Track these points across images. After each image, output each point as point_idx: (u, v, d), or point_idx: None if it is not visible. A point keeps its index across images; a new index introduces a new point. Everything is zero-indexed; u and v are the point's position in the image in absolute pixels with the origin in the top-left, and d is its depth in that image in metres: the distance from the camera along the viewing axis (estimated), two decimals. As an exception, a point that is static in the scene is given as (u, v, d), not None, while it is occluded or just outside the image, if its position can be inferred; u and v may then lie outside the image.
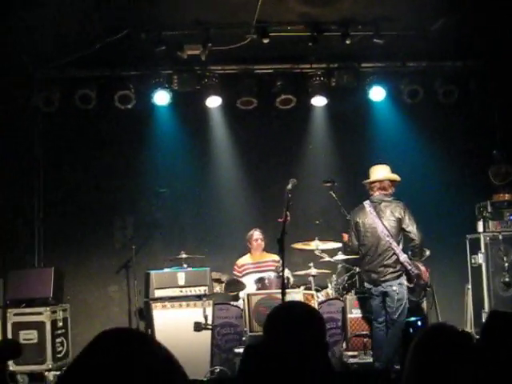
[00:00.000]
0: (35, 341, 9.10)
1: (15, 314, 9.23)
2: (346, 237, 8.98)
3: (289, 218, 7.29)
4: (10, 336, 9.03)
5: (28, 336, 9.10)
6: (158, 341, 1.88)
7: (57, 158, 10.59)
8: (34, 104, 10.06)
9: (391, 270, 8.22)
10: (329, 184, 9.38)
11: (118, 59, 9.97)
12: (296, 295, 8.58)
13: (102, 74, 10.19)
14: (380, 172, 8.62)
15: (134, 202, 10.75)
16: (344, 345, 8.95)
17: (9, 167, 10.25)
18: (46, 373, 9.02)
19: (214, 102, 10.35)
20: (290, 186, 7.43)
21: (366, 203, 8.54)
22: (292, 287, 9.10)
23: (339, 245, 9.28)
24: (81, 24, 8.90)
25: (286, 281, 8.57)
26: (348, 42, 9.35)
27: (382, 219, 8.33)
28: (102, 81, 10.14)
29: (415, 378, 2.79)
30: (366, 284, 8.55)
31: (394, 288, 8.16)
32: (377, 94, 10.49)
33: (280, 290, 7.81)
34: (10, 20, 8.50)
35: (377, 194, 8.54)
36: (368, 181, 8.62)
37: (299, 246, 9.09)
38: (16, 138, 10.30)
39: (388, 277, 8.22)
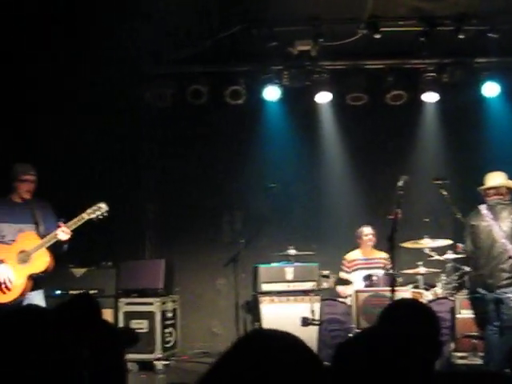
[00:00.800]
0: (145, 330, 9.31)
1: (127, 304, 9.48)
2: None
3: (400, 215, 7.20)
4: (121, 325, 9.28)
5: (138, 325, 9.32)
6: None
7: (168, 152, 10.82)
8: (147, 100, 10.28)
9: (507, 275, 7.89)
10: (439, 182, 9.19)
11: (229, 55, 10.07)
12: (405, 293, 8.48)
13: (213, 69, 10.31)
14: (496, 179, 8.32)
15: (244, 197, 10.88)
16: (452, 345, 8.78)
17: (122, 161, 10.52)
18: (155, 362, 9.22)
19: (323, 97, 10.33)
20: (401, 183, 7.34)
21: (482, 207, 8.26)
22: (400, 285, 9.00)
23: (449, 242, 9.11)
24: (193, 21, 9.04)
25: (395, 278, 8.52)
26: (461, 36, 9.17)
27: (498, 221, 8.06)
28: (213, 76, 10.27)
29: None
30: (479, 289, 8.30)
31: (510, 295, 7.85)
32: (491, 89, 10.22)
33: (388, 288, 7.77)
34: (124, 18, 8.71)
35: (493, 199, 8.25)
36: (483, 187, 8.35)
37: (409, 244, 8.96)
38: (129, 133, 10.56)
39: (503, 283, 7.91)
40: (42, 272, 7.04)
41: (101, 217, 7.11)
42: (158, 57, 10.10)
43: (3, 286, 6.86)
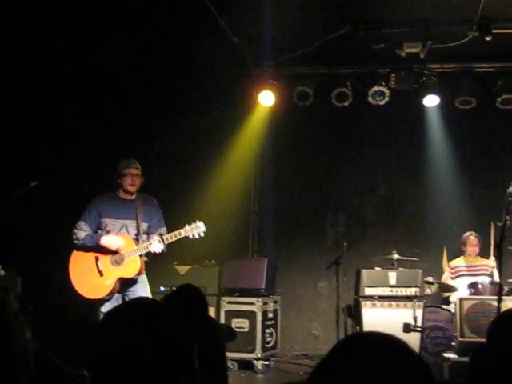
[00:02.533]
0: (246, 329, 9.37)
1: (229, 303, 9.57)
2: None
3: (509, 222, 7.01)
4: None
5: (240, 324, 9.39)
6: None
7: (273, 153, 10.86)
8: (255, 100, 10.37)
9: None
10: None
11: (336, 57, 10.04)
12: (511, 303, 8.24)
13: (320, 71, 10.31)
14: None
15: (348, 199, 10.85)
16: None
17: (230, 160, 10.65)
18: (255, 361, 9.27)
19: (431, 100, 10.17)
20: (511, 189, 7.14)
21: None
22: (506, 294, 8.75)
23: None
24: (301, 22, 9.04)
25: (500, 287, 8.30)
26: None
27: None
28: (319, 78, 10.27)
29: None
30: None
31: None
32: None
33: (495, 297, 7.57)
34: (231, 16, 8.83)
35: None
36: None
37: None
38: (239, 133, 10.66)
39: None
40: (132, 277, 7.20)
41: (197, 236, 7.19)
42: (265, 57, 10.15)
43: (118, 249, 7.06)
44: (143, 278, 7.40)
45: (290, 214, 10.89)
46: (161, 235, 7.16)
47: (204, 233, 7.20)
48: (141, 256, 7.16)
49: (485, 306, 8.16)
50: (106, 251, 7.14)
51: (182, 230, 7.15)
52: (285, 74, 10.38)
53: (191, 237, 7.17)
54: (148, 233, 7.33)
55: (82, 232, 7.18)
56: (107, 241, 7.09)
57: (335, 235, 10.73)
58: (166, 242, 7.12)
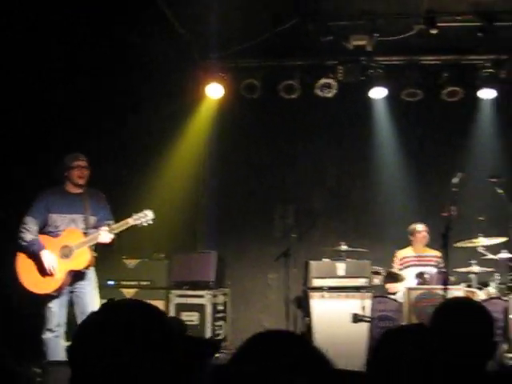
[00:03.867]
0: (196, 323, 9.36)
1: (178, 296, 9.55)
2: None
3: (454, 213, 7.13)
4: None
5: (189, 317, 9.37)
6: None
7: (221, 146, 10.83)
8: (202, 92, 10.33)
9: None
10: (495, 179, 9.06)
11: (284, 49, 10.04)
12: (457, 292, 8.39)
13: (267, 63, 10.30)
14: None
15: (297, 191, 10.89)
16: (505, 346, 8.65)
17: (177, 152, 10.60)
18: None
19: (378, 93, 10.26)
20: (456, 180, 7.28)
21: None
22: (453, 284, 8.91)
23: (503, 240, 8.99)
24: (249, 14, 9.04)
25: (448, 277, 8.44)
26: (521, 31, 9.04)
27: None
28: (267, 70, 10.27)
29: None
30: None
31: None
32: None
33: (441, 286, 7.69)
34: (179, 8, 8.79)
35: None
36: None
37: (463, 243, 8.83)
38: (186, 126, 10.61)
39: None
40: (82, 269, 7.17)
41: (145, 224, 7.21)
42: (212, 50, 10.12)
43: (48, 272, 7.01)
44: (91, 275, 7.37)
45: (239, 207, 10.89)
46: (109, 225, 7.16)
47: (153, 221, 7.22)
48: (90, 248, 7.15)
49: (431, 295, 8.29)
50: (53, 245, 7.08)
51: (129, 219, 7.17)
52: (232, 66, 10.33)
53: (140, 225, 7.18)
54: (96, 226, 7.30)
55: (29, 234, 7.10)
56: (46, 257, 7.02)
57: (284, 227, 10.75)
58: (114, 232, 7.12)
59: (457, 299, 4.87)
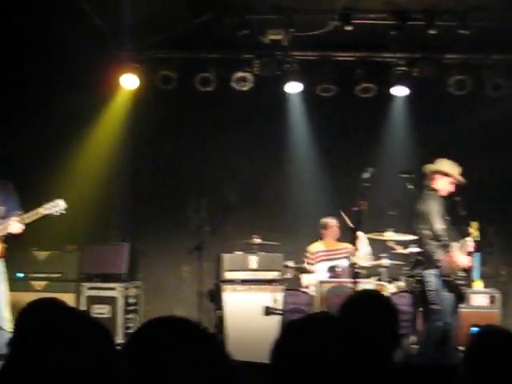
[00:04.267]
0: (107, 315, 9.26)
1: (89, 288, 9.44)
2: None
3: (364, 207, 7.24)
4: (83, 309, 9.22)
5: (100, 310, 9.29)
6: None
7: (136, 138, 10.72)
8: (117, 83, 10.20)
9: None
10: (406, 175, 9.23)
11: (200, 42, 9.99)
12: (368, 285, 8.53)
13: (183, 55, 10.24)
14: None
15: (210, 185, 10.87)
16: (413, 338, 8.84)
17: (91, 143, 10.44)
18: (117, 348, 9.15)
19: (293, 87, 10.33)
20: (366, 175, 7.39)
21: None
22: (364, 277, 9.04)
23: (413, 237, 9.18)
24: (165, 5, 8.97)
25: (359, 270, 8.57)
26: (432, 31, 9.21)
27: None
28: (183, 62, 10.21)
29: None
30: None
31: None
32: (460, 86, 10.24)
33: (351, 280, 7.81)
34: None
35: None
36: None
37: (372, 236, 8.99)
38: (100, 116, 10.46)
39: None
40: None
41: (57, 213, 7.11)
42: (129, 41, 10.00)
43: None
44: (0, 266, 7.22)
45: (153, 200, 10.81)
46: (20, 215, 7.02)
47: (65, 210, 7.12)
48: (0, 239, 7.00)
49: (343, 288, 8.39)
50: None
51: (40, 209, 7.05)
52: (148, 57, 10.23)
53: (51, 215, 7.07)
54: (5, 217, 7.15)
55: None
56: None
57: (198, 220, 10.72)
58: (25, 222, 6.99)
59: (364, 292, 4.94)
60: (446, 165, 8.44)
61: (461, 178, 8.40)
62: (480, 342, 2.90)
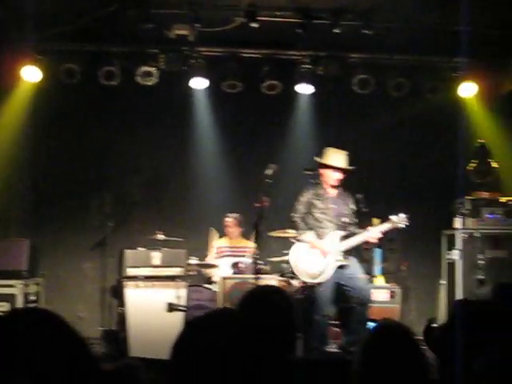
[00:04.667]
0: (6, 313, 9.01)
1: (-13, 285, 9.16)
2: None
3: (267, 204, 7.28)
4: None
5: (-1, 308, 9.03)
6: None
7: (38, 132, 10.45)
8: (18, 75, 9.94)
9: None
10: (310, 172, 9.32)
11: (105, 34, 9.83)
12: (271, 281, 8.58)
13: (88, 48, 10.05)
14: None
15: (114, 180, 10.73)
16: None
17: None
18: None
19: (199, 83, 10.28)
20: (269, 172, 7.42)
21: None
22: (267, 273, 9.09)
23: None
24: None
25: (262, 267, 8.61)
26: (337, 30, 9.33)
27: None
28: (87, 55, 10.02)
29: (364, 376, 2.80)
30: None
31: None
32: (363, 85, 10.41)
33: (254, 276, 7.83)
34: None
35: None
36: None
37: (276, 233, 9.04)
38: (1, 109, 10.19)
39: None
40: None
41: None
42: (31, 33, 9.74)
43: None
44: None
45: (55, 194, 10.58)
46: None
47: None
48: None
49: (245, 284, 8.42)
50: None
51: None
52: (51, 49, 9.98)
53: None
54: None
55: None
56: None
57: (101, 216, 10.55)
58: None
59: (261, 288, 4.95)
60: (326, 156, 8.47)
61: (342, 165, 8.41)
62: (374, 336, 2.93)
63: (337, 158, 8.41)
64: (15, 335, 1.84)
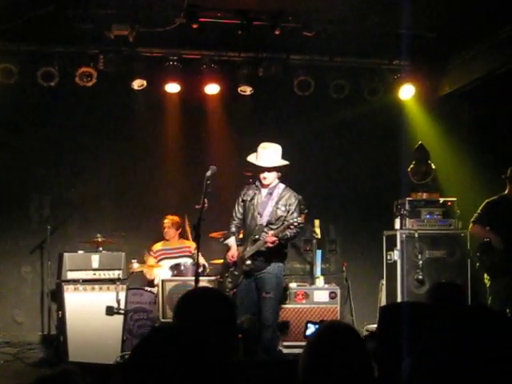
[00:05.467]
0: None
1: None
2: None
3: (206, 205, 7.25)
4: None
5: None
6: None
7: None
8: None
9: None
10: (250, 174, 9.31)
11: (43, 34, 9.67)
12: (210, 283, 8.58)
13: (25, 48, 9.87)
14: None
15: (53, 183, 10.57)
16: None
17: None
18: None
19: (138, 84, 10.18)
20: (209, 173, 7.39)
21: None
22: (208, 275, 9.08)
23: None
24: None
25: (201, 269, 8.58)
26: (277, 32, 9.34)
27: None
28: (25, 55, 9.85)
29: (309, 375, 2.79)
30: None
31: None
32: (303, 87, 10.45)
33: (193, 278, 7.79)
34: None
35: None
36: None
37: (217, 234, 9.02)
38: None
39: None
40: None
41: None
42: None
43: None
44: None
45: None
46: None
47: None
48: None
49: (186, 286, 8.39)
50: None
51: None
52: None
53: None
54: None
55: None
56: None
57: (40, 218, 10.43)
58: None
59: (196, 289, 4.92)
60: (255, 154, 8.04)
61: (266, 163, 7.88)
62: (320, 336, 2.93)
63: (262, 155, 7.91)
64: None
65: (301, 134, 10.81)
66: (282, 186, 8.01)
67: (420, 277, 9.56)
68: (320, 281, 9.72)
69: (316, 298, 9.25)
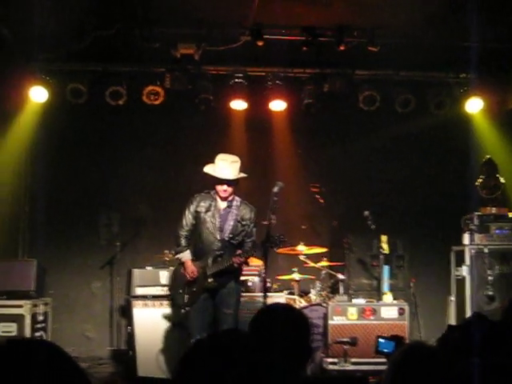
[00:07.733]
0: (14, 334, 8.98)
1: (-5, 306, 9.14)
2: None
3: (274, 221, 7.22)
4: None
5: (7, 329, 9.00)
6: None
7: (45, 151, 10.45)
8: (26, 96, 9.98)
9: None
10: (317, 190, 9.33)
11: (110, 54, 9.87)
12: (279, 299, 8.56)
13: (93, 68, 10.09)
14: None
15: (121, 199, 10.70)
16: (324, 351, 8.89)
17: (2, 159, 10.18)
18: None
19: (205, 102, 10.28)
20: (276, 189, 7.32)
21: None
22: (275, 291, 9.08)
23: (324, 250, 9.29)
24: (74, 17, 8.83)
25: (270, 284, 8.57)
26: (342, 48, 9.35)
27: None
28: (93, 75, 10.05)
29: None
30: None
31: None
32: (368, 102, 10.41)
33: (262, 294, 7.79)
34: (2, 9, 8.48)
35: None
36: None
37: (284, 250, 9.00)
38: (8, 130, 10.20)
39: None
40: None
41: None
42: (37, 53, 9.78)
43: None
44: None
45: (62, 214, 10.54)
46: None
47: None
48: None
49: (254, 302, 8.38)
50: None
51: None
52: (57, 69, 10.04)
53: None
54: None
55: None
56: None
57: (109, 235, 10.56)
58: None
59: (274, 305, 4.90)
60: (213, 165, 7.65)
61: (225, 175, 7.51)
62: (406, 356, 2.90)
63: (222, 167, 7.53)
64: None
65: (367, 148, 10.77)
66: (238, 198, 7.75)
67: (490, 293, 9.40)
68: (388, 297, 9.60)
69: (384, 314, 9.13)
